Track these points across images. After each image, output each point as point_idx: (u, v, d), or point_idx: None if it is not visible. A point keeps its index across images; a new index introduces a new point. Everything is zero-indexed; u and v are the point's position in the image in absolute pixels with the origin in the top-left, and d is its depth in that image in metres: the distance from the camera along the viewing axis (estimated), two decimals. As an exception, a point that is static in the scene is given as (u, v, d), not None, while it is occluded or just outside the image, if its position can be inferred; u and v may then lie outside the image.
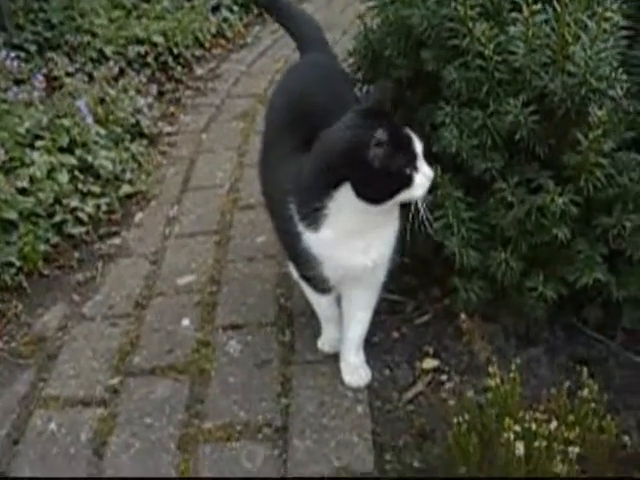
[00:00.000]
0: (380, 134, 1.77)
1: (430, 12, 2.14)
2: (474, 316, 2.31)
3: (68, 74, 4.17)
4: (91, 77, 4.23)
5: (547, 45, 1.95)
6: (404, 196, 1.87)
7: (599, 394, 1.70)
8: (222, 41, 5.80)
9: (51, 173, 3.19)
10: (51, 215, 3.10)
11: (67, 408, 2.27)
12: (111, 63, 4.42)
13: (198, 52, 5.37)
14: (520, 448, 1.53)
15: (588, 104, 1.90)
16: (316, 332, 2.40)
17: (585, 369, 1.73)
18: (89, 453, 2.10)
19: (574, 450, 1.55)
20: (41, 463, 2.07)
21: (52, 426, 2.20)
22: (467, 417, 1.69)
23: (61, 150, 3.35)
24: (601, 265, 2.04)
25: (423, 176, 1.87)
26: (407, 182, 1.85)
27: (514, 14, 2.02)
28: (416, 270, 2.52)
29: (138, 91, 4.31)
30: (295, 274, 2.22)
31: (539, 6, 1.94)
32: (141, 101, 4.18)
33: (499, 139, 2.05)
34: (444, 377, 2.26)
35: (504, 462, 1.60)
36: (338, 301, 2.26)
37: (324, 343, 2.37)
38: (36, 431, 2.18)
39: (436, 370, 2.29)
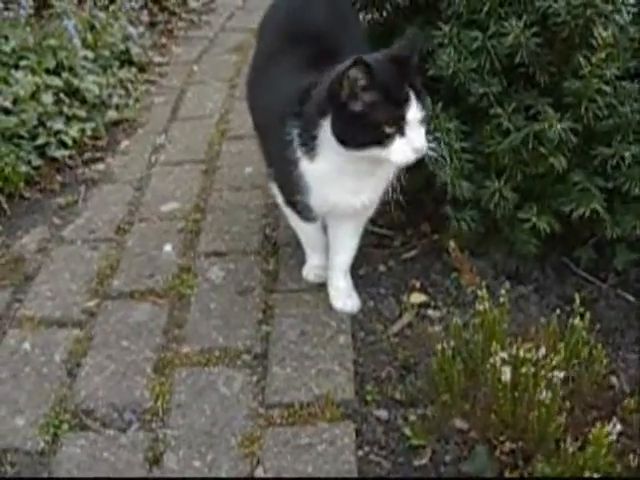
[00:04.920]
0: (353, 72, 1.66)
1: None
2: (464, 252, 2.25)
3: (57, -4, 4.04)
4: (80, 1, 4.11)
5: (553, -37, 1.87)
6: (378, 154, 1.74)
7: (590, 324, 1.64)
8: (220, -25, 5.63)
9: (35, 94, 3.10)
10: (34, 137, 3.02)
11: (42, 328, 2.21)
12: (102, -13, 4.30)
13: (194, -16, 5.22)
14: (507, 373, 1.48)
15: (592, 27, 1.81)
16: (301, 262, 2.35)
17: (577, 296, 1.67)
18: (63, 373, 2.05)
19: (559, 375, 1.48)
20: (13, 381, 2.02)
21: (26, 346, 2.14)
22: (452, 343, 1.64)
23: (47, 72, 3.26)
24: (598, 197, 1.98)
25: (407, 144, 1.72)
26: (381, 140, 1.71)
27: None
28: (406, 205, 2.46)
29: (129, 20, 4.20)
30: (280, 199, 2.15)
31: None
32: (132, 29, 4.08)
33: (498, 63, 1.96)
34: (431, 311, 2.21)
35: (489, 388, 1.55)
36: (324, 229, 2.21)
37: (309, 272, 2.32)
38: (9, 350, 2.13)
39: (423, 304, 2.24)
